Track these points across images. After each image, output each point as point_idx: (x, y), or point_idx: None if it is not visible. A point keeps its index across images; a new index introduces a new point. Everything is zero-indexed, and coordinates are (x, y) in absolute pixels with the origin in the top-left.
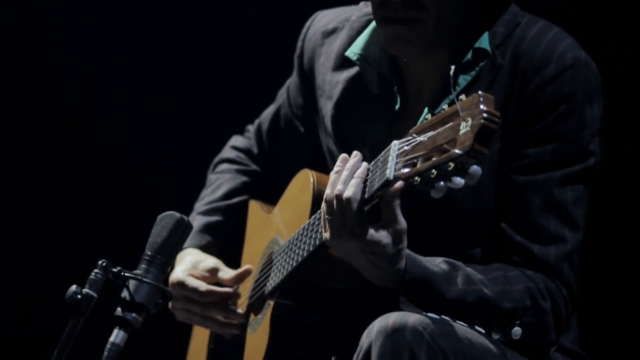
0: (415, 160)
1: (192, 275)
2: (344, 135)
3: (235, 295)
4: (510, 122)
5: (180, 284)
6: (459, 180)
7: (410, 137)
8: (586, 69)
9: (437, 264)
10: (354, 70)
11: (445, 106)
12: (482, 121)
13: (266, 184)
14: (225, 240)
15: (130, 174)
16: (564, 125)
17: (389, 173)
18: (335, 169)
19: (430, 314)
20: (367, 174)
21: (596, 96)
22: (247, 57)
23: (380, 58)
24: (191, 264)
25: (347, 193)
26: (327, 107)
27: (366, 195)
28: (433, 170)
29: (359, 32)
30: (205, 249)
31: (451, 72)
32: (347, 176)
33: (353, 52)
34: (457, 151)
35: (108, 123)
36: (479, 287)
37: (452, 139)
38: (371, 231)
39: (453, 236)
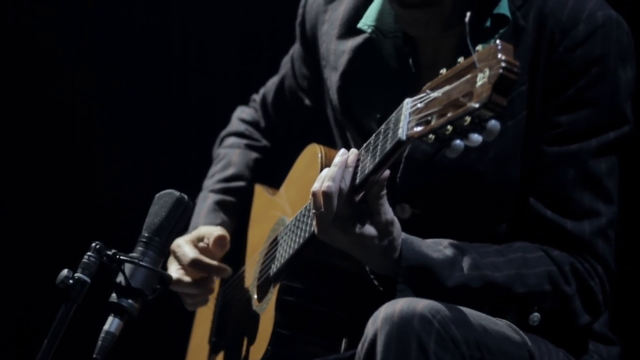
0: (429, 118)
1: (191, 244)
2: (350, 108)
3: (224, 271)
4: (538, 88)
5: (173, 249)
6: (476, 137)
7: (424, 94)
8: (618, 28)
9: (441, 249)
10: (360, 38)
11: (461, 59)
12: (501, 71)
13: (275, 160)
14: (236, 221)
15: (126, 150)
16: (597, 89)
17: (401, 133)
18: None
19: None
20: (358, 162)
21: (629, 57)
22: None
23: (394, 29)
24: (196, 233)
25: (334, 189)
26: (332, 79)
27: (357, 181)
28: (448, 127)
29: None
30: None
31: (467, 19)
32: (336, 172)
33: (366, 23)
34: (473, 104)
35: (104, 103)
36: (486, 273)
37: (469, 92)
38: (359, 225)
39: (476, 210)
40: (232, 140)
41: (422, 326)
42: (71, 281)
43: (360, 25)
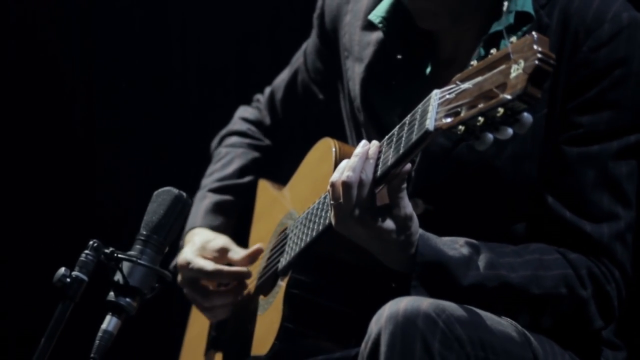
0: (459, 109)
1: (201, 256)
2: (371, 101)
3: (247, 275)
4: (560, 87)
5: (187, 264)
6: (507, 130)
7: (454, 85)
8: None
9: (457, 247)
10: None
11: (493, 51)
12: (537, 62)
13: (278, 159)
14: (235, 220)
15: (124, 148)
16: (620, 91)
17: (429, 123)
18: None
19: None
20: (379, 154)
21: None
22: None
23: (409, 23)
24: (200, 244)
25: (355, 179)
26: (355, 70)
27: (379, 173)
28: (480, 118)
29: None
30: (218, 229)
31: (504, 8)
32: (357, 162)
33: (376, 14)
34: (507, 96)
35: (104, 100)
36: (502, 272)
37: (502, 83)
38: (378, 218)
39: (490, 208)
40: (233, 139)
41: (426, 325)
42: (68, 280)
43: (370, 16)
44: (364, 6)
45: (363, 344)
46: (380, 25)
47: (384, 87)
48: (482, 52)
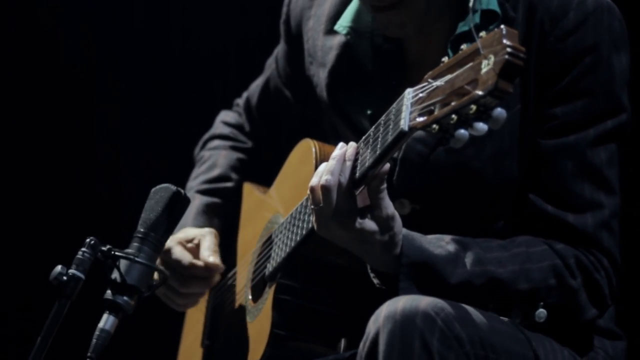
0: (432, 107)
1: (182, 246)
2: (340, 105)
3: (218, 269)
4: (531, 80)
5: (166, 252)
6: (481, 126)
7: (426, 83)
8: (609, 14)
9: (443, 245)
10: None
11: (464, 46)
12: (506, 57)
13: (262, 161)
14: (225, 223)
15: (123, 144)
16: (592, 78)
17: (404, 123)
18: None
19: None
20: (357, 156)
21: (623, 44)
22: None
23: (372, 27)
24: (185, 234)
25: (333, 182)
26: (320, 76)
27: (357, 175)
28: (453, 116)
29: None
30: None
31: (471, 4)
32: (334, 165)
33: (342, 25)
34: (479, 92)
35: (102, 99)
36: (489, 268)
37: (473, 79)
38: (359, 220)
39: (475, 209)
40: (216, 142)
41: (425, 324)
42: (65, 277)
43: (336, 27)
44: (326, 10)
45: (361, 344)
46: (348, 36)
47: (350, 91)
48: (451, 54)
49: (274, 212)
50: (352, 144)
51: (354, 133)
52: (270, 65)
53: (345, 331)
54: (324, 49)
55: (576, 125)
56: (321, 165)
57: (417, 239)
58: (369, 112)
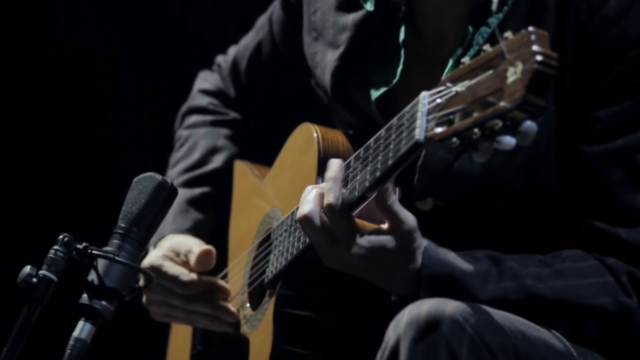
0: (451, 117)
1: (172, 260)
2: (345, 90)
3: (224, 287)
4: (567, 77)
5: (157, 271)
6: (508, 140)
7: (444, 87)
8: None
9: (472, 260)
10: (362, 12)
11: (486, 47)
12: (536, 66)
13: (251, 134)
14: (215, 213)
15: (122, 144)
16: (638, 74)
17: (419, 133)
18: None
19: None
20: (347, 172)
21: None
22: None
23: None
24: (169, 247)
25: (315, 211)
26: (327, 56)
27: (357, 193)
28: (476, 130)
29: None
30: (190, 232)
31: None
32: (315, 193)
33: None
34: (505, 104)
35: (101, 96)
36: (527, 283)
37: (498, 88)
38: (370, 237)
39: (506, 225)
40: (194, 118)
41: (452, 331)
42: (35, 280)
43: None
44: None
45: (379, 354)
46: (370, 7)
47: (362, 75)
48: (470, 29)
49: (272, 204)
50: (338, 162)
51: (358, 119)
52: (262, 26)
53: (351, 342)
54: (335, 26)
55: (623, 129)
56: (310, 193)
57: (442, 252)
58: (376, 96)
